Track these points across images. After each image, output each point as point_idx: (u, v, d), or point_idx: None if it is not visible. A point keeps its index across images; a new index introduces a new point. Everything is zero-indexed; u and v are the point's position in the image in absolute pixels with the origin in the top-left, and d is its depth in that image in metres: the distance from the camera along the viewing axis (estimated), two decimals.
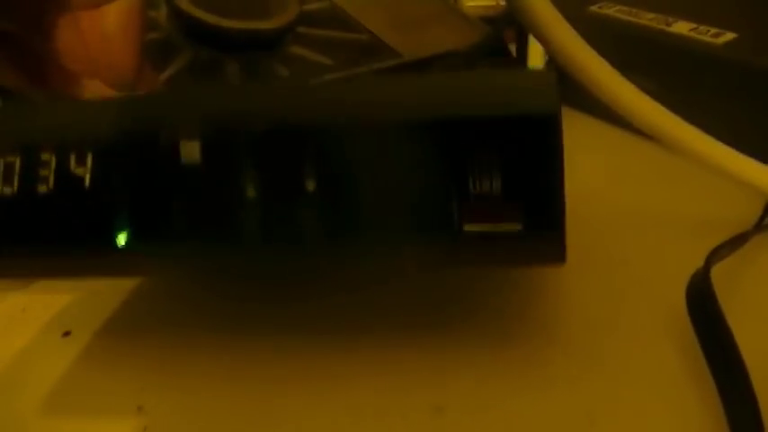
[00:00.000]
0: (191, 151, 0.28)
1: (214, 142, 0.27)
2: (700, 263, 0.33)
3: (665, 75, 0.48)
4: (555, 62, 0.37)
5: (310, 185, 0.27)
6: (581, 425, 0.29)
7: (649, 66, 0.48)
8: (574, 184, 0.43)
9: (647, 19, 0.49)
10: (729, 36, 0.46)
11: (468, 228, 0.26)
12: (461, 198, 0.26)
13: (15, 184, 0.28)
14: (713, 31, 0.46)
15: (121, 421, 0.30)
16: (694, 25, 0.47)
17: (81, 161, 0.28)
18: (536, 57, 0.54)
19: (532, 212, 0.26)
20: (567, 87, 0.41)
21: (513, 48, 0.56)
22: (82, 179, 0.28)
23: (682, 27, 0.48)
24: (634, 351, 0.32)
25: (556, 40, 0.34)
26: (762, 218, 0.39)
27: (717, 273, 0.33)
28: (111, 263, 0.29)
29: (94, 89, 0.35)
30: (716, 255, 0.34)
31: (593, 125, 0.49)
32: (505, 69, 0.26)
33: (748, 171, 0.38)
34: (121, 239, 0.28)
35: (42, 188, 0.28)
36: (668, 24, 0.48)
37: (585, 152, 0.46)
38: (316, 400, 0.30)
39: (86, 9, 0.35)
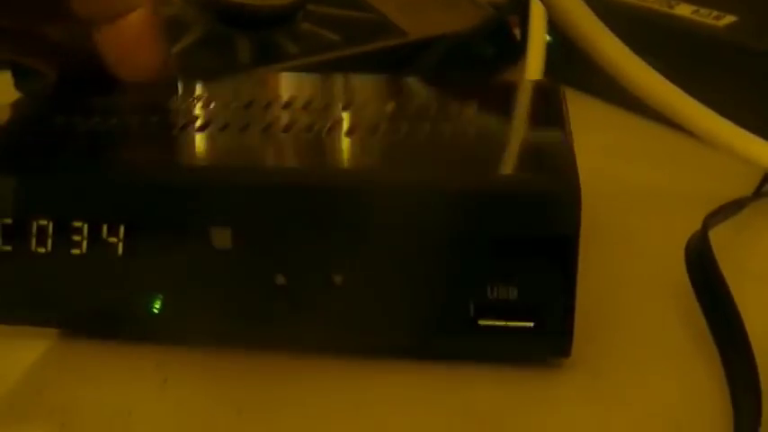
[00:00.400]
0: (222, 238, 0.29)
1: (245, 230, 0.29)
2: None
3: (668, 55, 0.49)
4: (566, 39, 0.39)
5: (338, 279, 0.29)
6: (584, 382, 0.30)
7: (653, 46, 0.49)
8: (581, 162, 0.45)
9: (652, 1, 0.50)
10: (730, 19, 0.47)
11: (482, 322, 0.29)
12: (479, 298, 0.29)
13: (49, 245, 0.30)
14: (714, 13, 0.48)
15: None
16: (696, 8, 0.48)
17: (113, 232, 0.30)
18: (537, 41, 0.55)
19: (544, 315, 0.29)
20: (574, 70, 0.43)
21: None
22: (115, 246, 0.30)
23: (684, 9, 0.49)
24: (637, 313, 0.33)
25: (572, 18, 0.36)
26: (759, 186, 0.40)
27: (716, 237, 0.34)
28: (142, 327, 0.31)
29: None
30: (713, 218, 0.35)
31: (596, 106, 0.51)
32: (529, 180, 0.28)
33: (748, 145, 0.39)
34: (154, 306, 0.30)
35: (76, 251, 0.30)
36: (671, 7, 0.49)
37: (589, 131, 0.48)
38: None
39: (103, 23, 0.35)
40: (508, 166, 0.31)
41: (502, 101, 0.36)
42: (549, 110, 0.35)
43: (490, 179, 0.29)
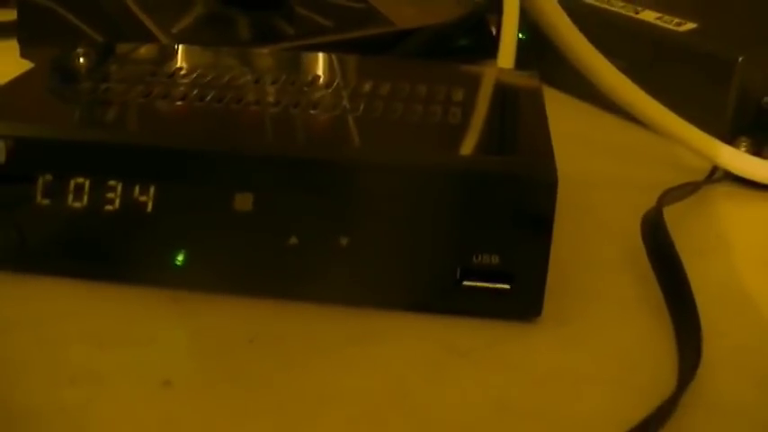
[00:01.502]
0: (244, 202, 0.33)
1: (264, 195, 0.33)
2: None
3: (632, 56, 0.53)
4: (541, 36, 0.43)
5: (344, 241, 0.33)
6: (553, 330, 0.34)
7: (619, 48, 0.54)
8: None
9: (618, 7, 0.55)
10: (691, 25, 0.52)
11: (466, 284, 0.34)
12: (465, 264, 0.33)
13: (85, 200, 0.34)
14: (677, 20, 0.52)
15: None
16: (660, 14, 0.53)
17: (144, 191, 0.34)
18: (509, 33, 0.59)
19: (520, 280, 0.33)
20: (545, 66, 0.47)
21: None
22: (145, 204, 0.34)
23: (648, 15, 0.53)
24: (599, 276, 0.38)
25: (546, 17, 0.40)
26: (710, 174, 0.45)
27: (670, 216, 0.39)
28: (167, 278, 0.35)
29: None
30: (666, 196, 0.40)
31: (565, 100, 0.55)
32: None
33: (699, 140, 0.44)
34: (179, 259, 0.34)
35: (109, 207, 0.34)
36: (636, 12, 0.54)
37: (558, 122, 0.52)
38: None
39: None
40: (497, 148, 0.35)
41: (487, 87, 0.41)
42: (528, 97, 0.39)
43: (480, 160, 0.34)
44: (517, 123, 0.37)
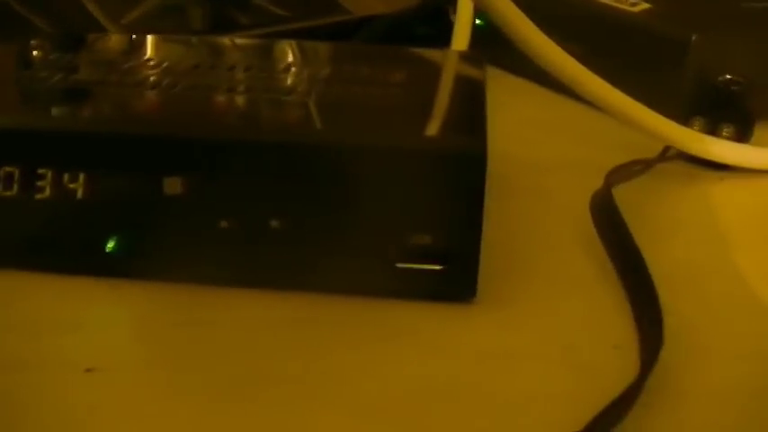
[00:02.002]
0: (173, 185, 0.33)
1: (195, 178, 0.33)
2: None
3: (589, 40, 0.53)
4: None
5: (275, 224, 0.33)
6: (495, 315, 0.34)
7: (576, 32, 0.54)
8: (505, 134, 0.49)
9: None
10: (645, 6, 0.51)
11: (399, 265, 0.33)
12: (398, 244, 0.33)
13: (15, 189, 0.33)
14: (632, 1, 0.52)
15: None
16: None
17: (74, 179, 0.33)
18: (464, 16, 0.58)
19: (452, 260, 0.33)
20: (501, 51, 0.47)
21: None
22: (75, 191, 0.33)
23: None
24: (546, 258, 0.38)
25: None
26: (663, 152, 0.44)
27: (624, 195, 0.39)
28: (98, 265, 0.34)
29: None
30: (614, 174, 0.40)
31: (521, 84, 0.55)
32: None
33: (652, 121, 0.43)
34: (110, 245, 0.34)
35: (39, 195, 0.33)
36: None
37: (514, 106, 0.52)
38: None
39: None
40: (426, 127, 0.35)
41: (428, 69, 0.40)
42: (468, 77, 0.39)
43: (408, 139, 0.33)
44: (453, 103, 0.37)
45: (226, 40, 0.47)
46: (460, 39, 0.52)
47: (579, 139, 0.49)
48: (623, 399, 0.27)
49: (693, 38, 0.47)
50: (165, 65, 0.39)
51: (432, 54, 0.45)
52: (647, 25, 0.50)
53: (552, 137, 0.49)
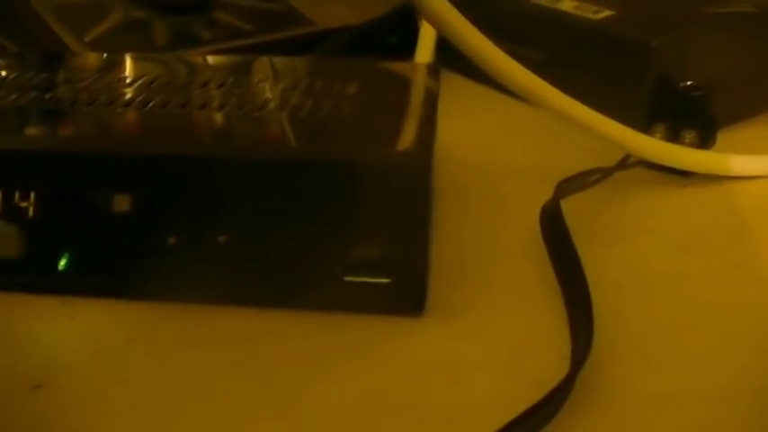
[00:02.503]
0: (121, 203, 0.33)
1: (142, 195, 0.33)
2: None
3: (553, 47, 0.53)
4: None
5: (222, 238, 0.33)
6: (443, 327, 0.34)
7: (539, 40, 0.54)
8: (467, 141, 0.48)
9: None
10: (607, 13, 0.51)
11: (347, 278, 0.33)
12: (345, 258, 0.32)
13: None
14: (594, 8, 0.52)
15: None
16: (578, 3, 0.52)
17: (25, 198, 0.33)
18: (429, 28, 0.58)
19: (400, 273, 0.32)
20: (466, 60, 0.46)
21: None
22: (26, 210, 0.33)
23: (567, 5, 0.53)
24: (496, 269, 0.37)
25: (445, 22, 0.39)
26: (623, 159, 0.44)
27: (577, 204, 0.39)
28: (51, 283, 0.34)
29: None
30: (563, 187, 0.39)
31: (485, 92, 0.54)
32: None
33: (610, 130, 0.43)
34: (61, 263, 0.34)
35: None
36: (555, 2, 0.53)
37: (478, 113, 0.52)
38: None
39: None
40: (371, 140, 0.34)
41: (381, 81, 0.40)
42: (421, 89, 0.39)
43: (351, 152, 0.33)
44: (401, 116, 0.36)
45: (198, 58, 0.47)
46: (424, 52, 0.51)
47: (543, 146, 0.48)
48: (543, 404, 0.27)
49: (654, 44, 0.47)
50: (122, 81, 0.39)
51: (389, 66, 0.45)
52: (608, 32, 0.50)
53: (515, 143, 0.49)
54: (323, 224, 0.32)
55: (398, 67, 0.46)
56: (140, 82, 0.39)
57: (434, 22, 0.38)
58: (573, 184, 0.40)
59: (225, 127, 0.35)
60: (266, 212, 0.32)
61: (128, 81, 0.39)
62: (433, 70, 0.41)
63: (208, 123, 0.35)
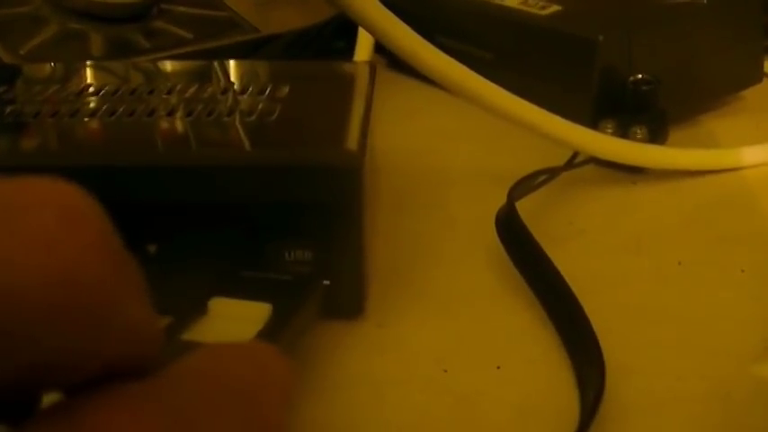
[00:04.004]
0: None
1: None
2: None
3: (500, 46, 0.52)
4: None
5: (152, 248, 0.31)
6: (373, 335, 0.32)
7: (487, 38, 0.52)
8: (409, 144, 0.47)
9: None
10: (554, 8, 0.50)
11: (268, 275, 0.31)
12: (277, 261, 0.31)
13: None
14: (541, 3, 0.50)
15: None
16: None
17: None
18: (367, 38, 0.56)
19: (337, 275, 0.31)
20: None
21: None
22: None
23: (513, 1, 0.52)
24: (456, 275, 0.36)
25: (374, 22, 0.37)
26: (571, 159, 0.43)
27: (533, 204, 0.38)
28: None
29: None
30: (516, 189, 0.38)
31: (435, 93, 0.53)
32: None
33: (555, 128, 0.41)
34: None
35: None
36: None
37: (428, 116, 0.51)
38: None
39: None
40: (301, 140, 0.33)
41: (314, 82, 0.39)
42: (354, 88, 0.37)
43: (280, 154, 0.31)
44: (334, 114, 0.35)
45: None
46: (363, 50, 0.50)
47: (491, 148, 0.47)
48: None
49: (601, 38, 0.46)
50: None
51: (324, 66, 0.43)
52: (555, 28, 0.49)
53: (463, 147, 0.48)
54: (257, 227, 0.31)
55: (334, 66, 0.44)
56: (104, 91, 0.37)
57: (358, 19, 0.36)
58: (522, 186, 0.38)
59: (152, 134, 0.34)
60: (198, 219, 0.31)
61: (91, 90, 0.37)
62: (370, 68, 0.40)
63: (139, 131, 0.34)
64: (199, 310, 0.28)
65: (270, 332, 0.27)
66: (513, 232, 0.36)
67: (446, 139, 0.48)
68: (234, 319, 0.28)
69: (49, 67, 0.43)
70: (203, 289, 0.31)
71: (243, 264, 0.31)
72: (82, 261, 0.14)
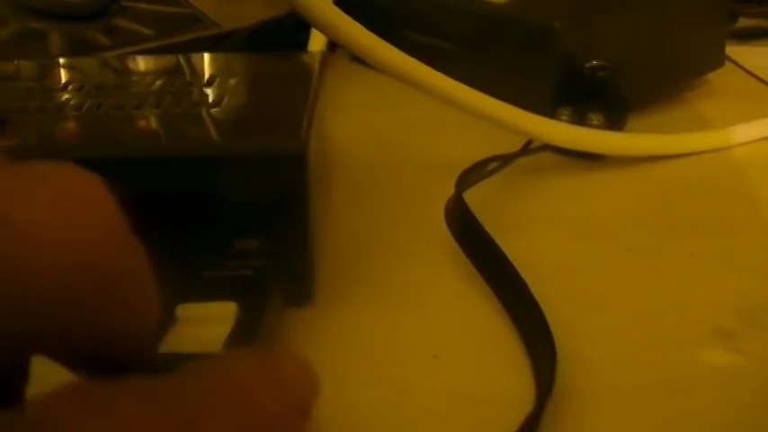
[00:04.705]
0: None
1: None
2: None
3: (458, 36, 0.51)
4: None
5: None
6: (360, 323, 0.32)
7: (444, 29, 0.52)
8: (371, 136, 0.47)
9: None
10: None
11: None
12: (225, 251, 0.31)
13: None
14: None
15: None
16: None
17: None
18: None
19: (284, 265, 0.30)
20: None
21: None
22: None
23: None
24: (408, 264, 0.36)
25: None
26: (526, 145, 0.42)
27: (486, 192, 0.38)
28: None
29: None
30: (463, 179, 0.37)
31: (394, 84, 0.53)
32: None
33: (508, 114, 0.41)
34: None
35: None
36: None
37: (389, 109, 0.50)
38: None
39: None
40: (243, 130, 0.33)
41: (264, 72, 0.39)
42: (301, 77, 0.37)
43: (222, 144, 0.31)
44: (280, 104, 0.35)
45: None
46: (317, 40, 0.50)
47: (446, 139, 0.47)
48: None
49: (557, 24, 0.45)
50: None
51: (275, 57, 0.43)
52: (512, 15, 0.48)
53: (417, 138, 0.47)
54: (202, 218, 0.31)
55: (286, 57, 0.44)
56: (86, 86, 0.37)
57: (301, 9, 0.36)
58: (473, 174, 0.38)
59: (103, 127, 0.33)
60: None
61: (71, 86, 0.37)
62: (321, 58, 0.39)
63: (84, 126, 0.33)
64: (170, 321, 0.28)
65: (241, 331, 0.26)
66: (461, 221, 0.36)
67: (405, 130, 0.48)
68: (204, 323, 0.27)
69: (12, 65, 0.42)
70: (169, 298, 0.30)
71: (198, 264, 0.31)
72: (101, 242, 0.16)
